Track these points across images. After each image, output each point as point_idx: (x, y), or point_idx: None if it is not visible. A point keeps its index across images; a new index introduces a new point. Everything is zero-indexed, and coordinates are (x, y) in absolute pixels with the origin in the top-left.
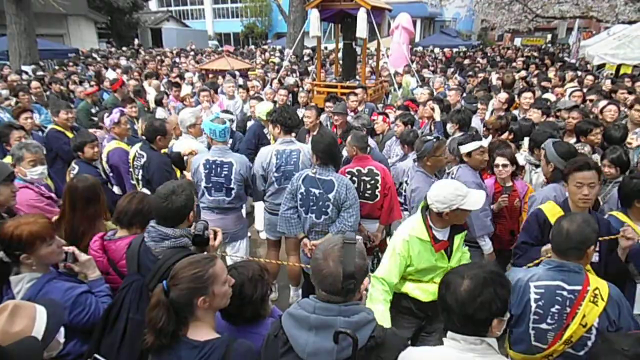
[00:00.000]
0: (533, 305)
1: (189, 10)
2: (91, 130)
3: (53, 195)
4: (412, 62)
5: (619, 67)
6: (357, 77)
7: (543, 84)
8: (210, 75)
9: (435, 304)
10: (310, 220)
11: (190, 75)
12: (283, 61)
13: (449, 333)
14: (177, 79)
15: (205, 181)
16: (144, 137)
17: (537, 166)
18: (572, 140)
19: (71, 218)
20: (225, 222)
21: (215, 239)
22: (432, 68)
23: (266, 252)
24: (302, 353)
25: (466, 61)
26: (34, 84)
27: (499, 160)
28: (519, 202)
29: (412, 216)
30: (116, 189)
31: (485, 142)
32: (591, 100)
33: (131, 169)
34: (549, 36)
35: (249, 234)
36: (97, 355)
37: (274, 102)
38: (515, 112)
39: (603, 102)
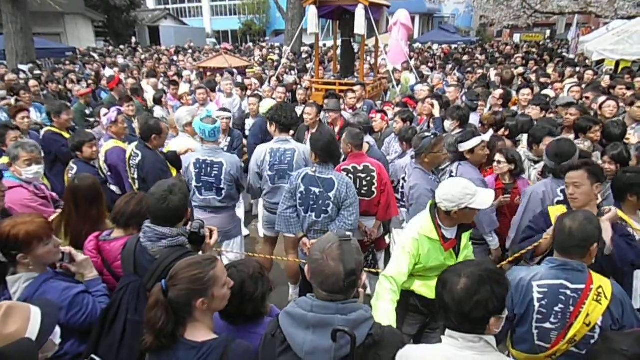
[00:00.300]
0: (536, 304)
1: (186, 8)
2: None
3: (54, 194)
4: (411, 58)
5: (618, 62)
6: (356, 74)
7: (542, 80)
8: (209, 73)
9: None
10: (310, 219)
11: (188, 73)
12: (282, 59)
13: (447, 331)
14: (175, 77)
15: (196, 180)
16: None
17: (535, 162)
18: (571, 137)
19: (75, 219)
20: (217, 221)
21: (211, 237)
22: (430, 65)
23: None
24: (300, 352)
25: (465, 57)
26: (32, 82)
27: (497, 157)
28: (519, 200)
29: (420, 215)
30: (114, 189)
31: (486, 137)
32: (587, 98)
33: (127, 168)
34: (548, 32)
35: (247, 232)
36: (94, 356)
37: (273, 99)
38: (514, 108)
39: (602, 98)
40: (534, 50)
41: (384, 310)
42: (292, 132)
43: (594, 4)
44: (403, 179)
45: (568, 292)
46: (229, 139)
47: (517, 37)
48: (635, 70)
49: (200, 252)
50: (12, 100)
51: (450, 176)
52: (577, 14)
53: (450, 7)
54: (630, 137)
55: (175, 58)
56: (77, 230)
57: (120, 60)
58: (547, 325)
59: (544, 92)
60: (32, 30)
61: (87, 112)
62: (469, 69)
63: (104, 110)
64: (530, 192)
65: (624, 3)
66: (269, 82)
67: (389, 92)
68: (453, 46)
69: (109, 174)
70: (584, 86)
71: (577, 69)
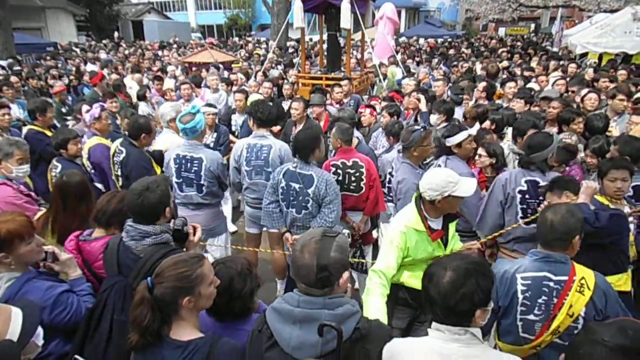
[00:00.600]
0: (520, 296)
1: (170, 2)
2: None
3: (32, 193)
4: (397, 52)
5: (601, 55)
6: (342, 68)
7: (525, 73)
8: (194, 68)
9: None
10: (291, 215)
11: (173, 68)
12: (268, 53)
13: (434, 324)
14: (159, 73)
15: (176, 176)
16: (125, 133)
17: (520, 155)
18: (554, 130)
19: (63, 217)
20: (199, 218)
21: (194, 234)
22: (417, 59)
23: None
24: (287, 347)
25: (451, 51)
26: (13, 79)
27: (479, 150)
28: None
29: (405, 208)
30: (100, 186)
31: (472, 131)
32: (573, 92)
33: (111, 165)
34: (533, 26)
35: (234, 228)
36: (77, 357)
37: (260, 94)
38: (499, 101)
39: (584, 91)
40: (519, 43)
41: (374, 305)
42: (278, 127)
43: None
44: (390, 173)
45: (551, 283)
46: (215, 134)
47: (502, 31)
48: (618, 63)
49: (185, 250)
50: None
51: None
52: (560, 8)
53: (436, 1)
54: (613, 129)
55: (159, 53)
56: (65, 227)
57: (103, 55)
58: (531, 316)
59: (529, 85)
60: (11, 25)
61: (64, 110)
62: (455, 63)
63: (85, 107)
64: (496, 180)
65: None
66: (255, 77)
67: (375, 87)
68: (439, 40)
69: (92, 171)
70: (568, 79)
71: (561, 62)
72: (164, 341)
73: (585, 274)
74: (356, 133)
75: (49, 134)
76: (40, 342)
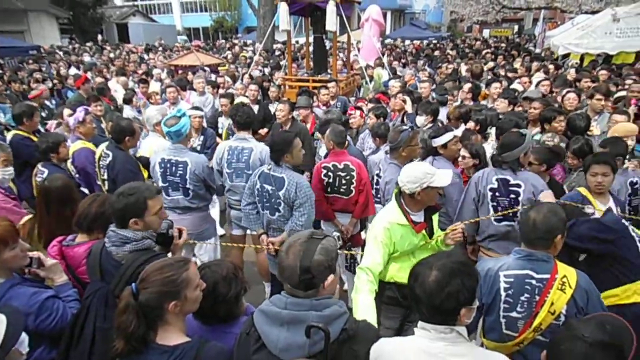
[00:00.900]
0: (503, 294)
1: (155, 5)
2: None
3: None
4: (383, 54)
5: (583, 56)
6: (329, 70)
7: (509, 74)
8: (180, 71)
9: None
10: (267, 217)
11: (159, 71)
12: (254, 56)
13: (420, 323)
14: (144, 76)
15: (162, 180)
16: (110, 137)
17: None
18: (537, 130)
19: (47, 221)
20: (186, 222)
21: (180, 237)
22: (403, 61)
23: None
24: (274, 349)
25: (436, 53)
26: None
27: (461, 151)
28: None
29: (387, 205)
30: (86, 191)
31: (458, 132)
32: (557, 92)
33: (97, 169)
34: (516, 27)
35: (222, 231)
36: None
37: (246, 97)
38: (484, 102)
39: (565, 91)
40: (502, 45)
41: (363, 303)
42: (265, 130)
43: None
44: (377, 175)
45: (533, 281)
46: (202, 137)
47: (486, 33)
48: (599, 63)
49: (170, 254)
50: None
51: None
52: (543, 9)
53: (421, 3)
54: (593, 128)
55: (145, 56)
56: (51, 232)
57: (86, 58)
58: (514, 314)
59: (513, 85)
60: None
61: (43, 114)
62: (440, 65)
63: (67, 111)
64: (471, 178)
65: None
66: (242, 79)
67: (362, 88)
68: (425, 42)
69: (77, 175)
70: (551, 80)
71: (544, 63)
72: (150, 347)
73: (567, 273)
74: None
75: (35, 139)
76: (25, 349)
